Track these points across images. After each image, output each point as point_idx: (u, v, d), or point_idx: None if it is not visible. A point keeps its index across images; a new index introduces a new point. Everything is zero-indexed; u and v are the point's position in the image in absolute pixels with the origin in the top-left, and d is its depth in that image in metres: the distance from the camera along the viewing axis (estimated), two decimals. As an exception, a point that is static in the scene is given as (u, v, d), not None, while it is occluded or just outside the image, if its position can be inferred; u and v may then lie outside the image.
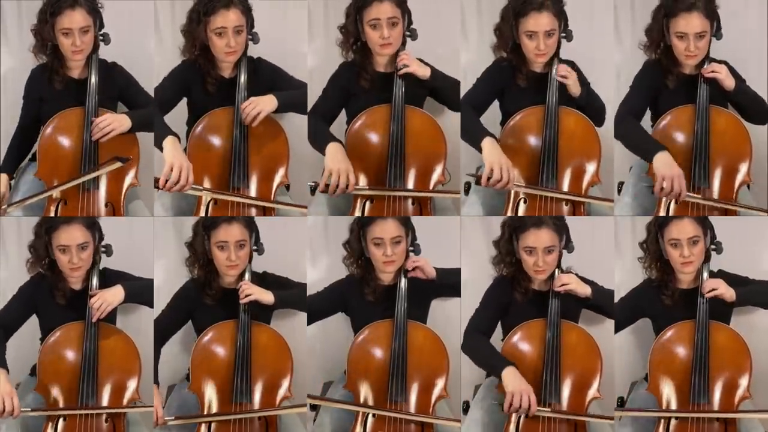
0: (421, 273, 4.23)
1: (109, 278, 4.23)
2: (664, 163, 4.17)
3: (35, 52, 4.26)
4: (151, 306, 4.25)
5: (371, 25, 4.25)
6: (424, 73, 4.30)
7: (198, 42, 4.24)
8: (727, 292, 4.16)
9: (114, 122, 4.26)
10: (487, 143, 4.21)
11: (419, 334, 4.24)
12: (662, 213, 4.25)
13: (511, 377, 4.12)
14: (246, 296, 4.19)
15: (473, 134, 4.25)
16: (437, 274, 4.25)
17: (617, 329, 4.25)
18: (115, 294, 4.19)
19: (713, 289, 4.16)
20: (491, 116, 4.38)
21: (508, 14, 4.24)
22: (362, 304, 4.26)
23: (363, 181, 4.30)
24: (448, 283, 4.28)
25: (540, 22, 4.20)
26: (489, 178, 4.18)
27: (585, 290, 4.20)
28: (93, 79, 4.26)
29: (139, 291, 4.24)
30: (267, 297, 4.22)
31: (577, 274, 4.21)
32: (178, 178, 4.12)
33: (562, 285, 4.18)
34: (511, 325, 4.23)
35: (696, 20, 4.18)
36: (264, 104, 4.26)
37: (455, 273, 4.29)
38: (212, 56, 4.27)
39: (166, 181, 4.12)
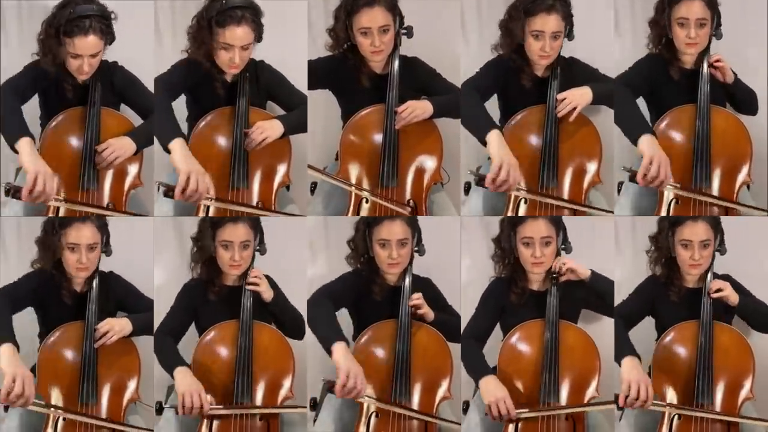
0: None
1: (112, 283, 4.24)
2: (649, 144, 4.14)
3: (41, 63, 4.20)
4: (152, 334, 4.25)
5: (362, 32, 4.23)
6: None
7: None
8: (732, 295, 4.17)
9: (117, 150, 4.23)
10: (493, 137, 4.16)
11: (423, 334, 4.23)
12: (663, 212, 4.25)
13: (485, 387, 4.12)
14: (253, 285, 4.20)
15: (477, 123, 4.18)
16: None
17: (628, 329, 4.23)
18: (123, 327, 4.19)
19: (719, 290, 4.17)
20: (491, 115, 4.39)
21: (517, 12, 4.22)
22: (367, 303, 4.25)
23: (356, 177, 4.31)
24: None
25: (548, 22, 4.20)
26: (494, 179, 4.12)
27: (584, 271, 4.18)
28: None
29: (143, 326, 4.22)
30: (268, 294, 4.23)
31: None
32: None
33: (565, 269, 4.17)
34: (510, 326, 4.23)
35: (698, 7, 4.20)
36: (270, 131, 4.25)
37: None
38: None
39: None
